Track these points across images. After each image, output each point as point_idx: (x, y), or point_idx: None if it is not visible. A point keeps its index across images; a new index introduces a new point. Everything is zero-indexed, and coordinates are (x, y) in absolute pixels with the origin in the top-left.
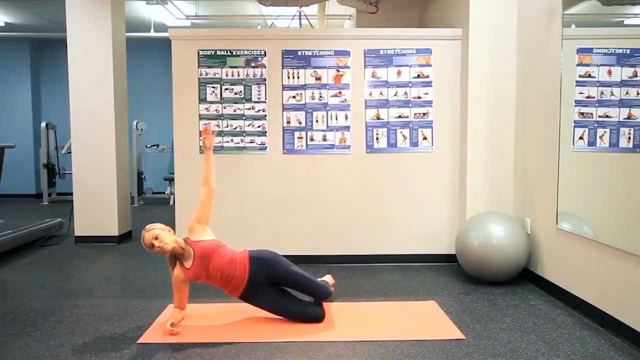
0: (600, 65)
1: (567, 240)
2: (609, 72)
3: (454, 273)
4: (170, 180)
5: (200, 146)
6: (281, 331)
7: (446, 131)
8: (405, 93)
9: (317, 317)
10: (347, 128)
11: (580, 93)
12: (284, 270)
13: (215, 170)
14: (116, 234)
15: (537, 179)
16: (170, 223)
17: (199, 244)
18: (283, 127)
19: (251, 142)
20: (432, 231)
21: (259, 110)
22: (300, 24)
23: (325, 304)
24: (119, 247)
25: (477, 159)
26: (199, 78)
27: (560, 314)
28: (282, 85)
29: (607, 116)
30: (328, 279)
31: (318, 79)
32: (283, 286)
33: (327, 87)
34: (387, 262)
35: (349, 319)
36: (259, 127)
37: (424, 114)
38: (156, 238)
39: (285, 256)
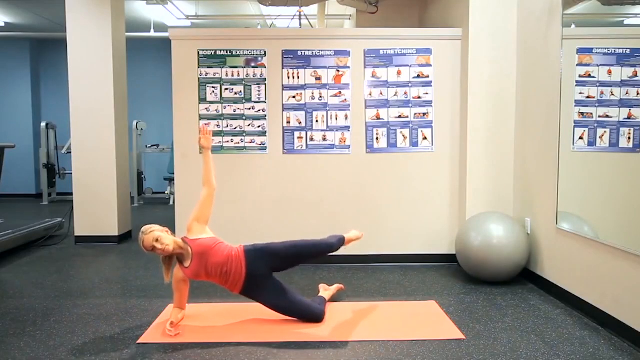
0: (600, 65)
1: (567, 240)
2: (609, 72)
3: (454, 273)
4: (170, 180)
5: (200, 146)
6: (281, 331)
7: (446, 131)
8: (405, 93)
9: (317, 316)
10: (347, 128)
11: (580, 93)
12: (280, 245)
13: (216, 170)
14: (116, 234)
15: (537, 179)
16: (170, 223)
17: (197, 242)
18: (283, 127)
19: (251, 142)
20: (432, 231)
21: (259, 110)
22: (300, 24)
23: (325, 305)
24: (119, 247)
25: (477, 159)
26: (199, 78)
27: (560, 314)
28: (282, 85)
29: (607, 116)
30: (352, 234)
31: (318, 79)
32: (287, 265)
33: (327, 87)
34: (387, 262)
35: (349, 319)
36: (259, 127)
37: (424, 114)
38: (157, 240)
39: None
